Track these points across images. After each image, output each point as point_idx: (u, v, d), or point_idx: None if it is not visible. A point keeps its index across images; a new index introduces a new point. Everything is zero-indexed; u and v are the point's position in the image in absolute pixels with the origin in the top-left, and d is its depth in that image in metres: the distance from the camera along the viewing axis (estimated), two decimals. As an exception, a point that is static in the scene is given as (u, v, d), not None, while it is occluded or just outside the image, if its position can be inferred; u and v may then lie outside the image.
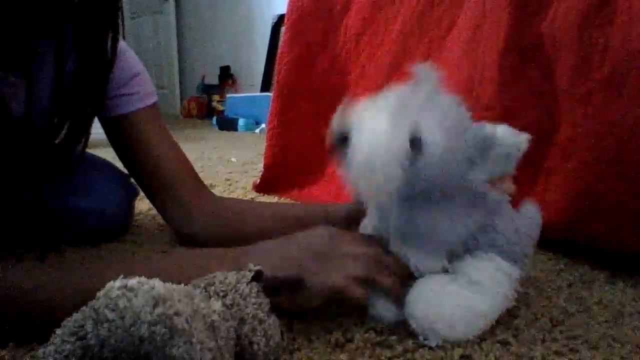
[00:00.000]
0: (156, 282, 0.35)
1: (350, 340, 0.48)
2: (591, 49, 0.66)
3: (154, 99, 0.74)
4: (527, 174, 0.78)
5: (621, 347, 0.48)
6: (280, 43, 1.16)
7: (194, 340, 0.33)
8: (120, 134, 0.73)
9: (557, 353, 0.46)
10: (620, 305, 0.57)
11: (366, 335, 0.49)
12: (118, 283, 0.34)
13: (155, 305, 0.32)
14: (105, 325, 0.32)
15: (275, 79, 1.19)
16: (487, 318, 0.48)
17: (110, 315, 0.32)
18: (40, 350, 0.34)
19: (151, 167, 0.73)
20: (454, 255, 0.49)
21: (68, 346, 0.33)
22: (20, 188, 0.64)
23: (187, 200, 0.73)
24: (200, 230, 0.73)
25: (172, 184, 0.73)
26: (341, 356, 0.45)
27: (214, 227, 0.72)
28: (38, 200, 0.66)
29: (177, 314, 0.33)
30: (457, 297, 0.47)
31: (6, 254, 0.71)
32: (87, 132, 0.65)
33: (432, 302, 0.47)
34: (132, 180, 0.85)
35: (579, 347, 0.47)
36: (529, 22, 0.76)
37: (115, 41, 0.62)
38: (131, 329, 0.32)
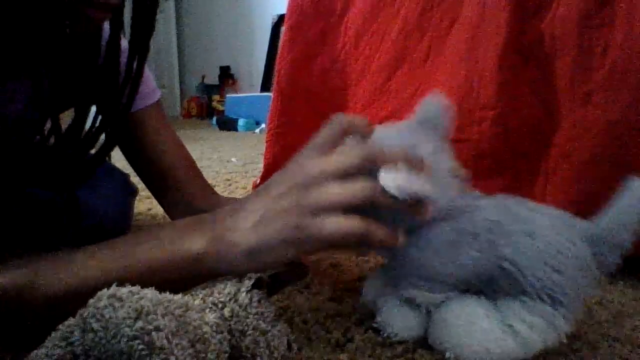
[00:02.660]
0: (148, 292, 0.34)
1: (350, 340, 0.48)
2: (591, 48, 0.66)
3: (157, 96, 0.74)
4: (527, 174, 0.78)
5: (621, 347, 0.48)
6: (280, 43, 1.16)
7: (172, 358, 0.32)
8: (126, 132, 0.72)
9: (557, 353, 0.46)
10: (620, 305, 0.57)
11: (366, 334, 0.48)
12: (109, 292, 0.33)
13: (136, 319, 0.32)
14: (90, 335, 0.32)
15: (275, 79, 1.19)
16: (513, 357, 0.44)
17: (95, 325, 0.32)
18: (33, 353, 0.34)
19: (158, 166, 0.73)
20: (470, 287, 0.45)
21: (58, 350, 0.33)
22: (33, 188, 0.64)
23: (195, 201, 0.73)
24: None
25: (180, 184, 0.73)
26: (341, 356, 0.45)
27: None
28: (54, 200, 0.65)
29: (157, 329, 0.32)
30: (488, 335, 0.43)
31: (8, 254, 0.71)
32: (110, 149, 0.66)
33: (462, 336, 0.44)
34: (131, 180, 0.85)
35: (579, 347, 0.47)
36: (529, 22, 0.76)
37: (140, 69, 0.62)
38: (112, 341, 0.31)
